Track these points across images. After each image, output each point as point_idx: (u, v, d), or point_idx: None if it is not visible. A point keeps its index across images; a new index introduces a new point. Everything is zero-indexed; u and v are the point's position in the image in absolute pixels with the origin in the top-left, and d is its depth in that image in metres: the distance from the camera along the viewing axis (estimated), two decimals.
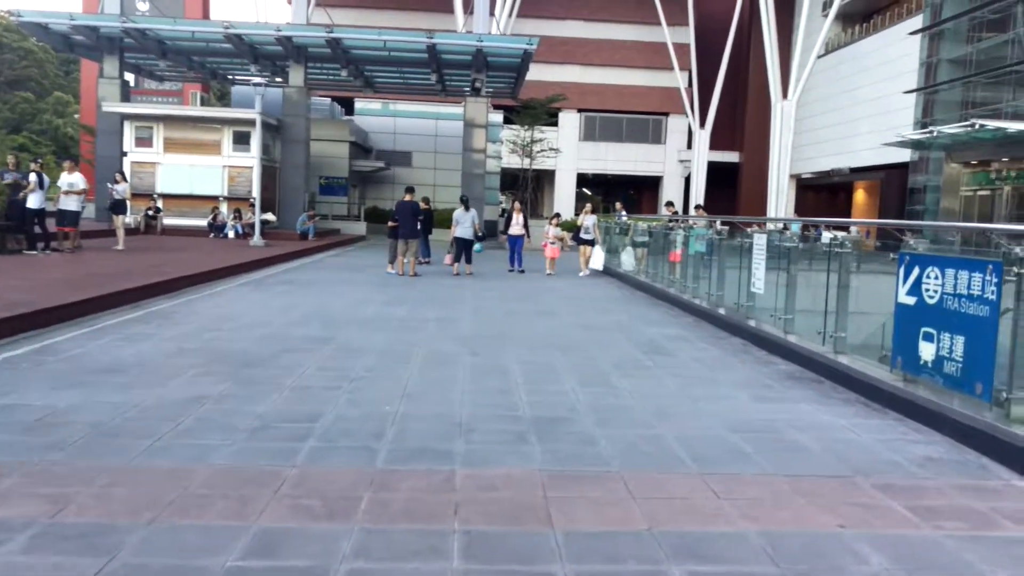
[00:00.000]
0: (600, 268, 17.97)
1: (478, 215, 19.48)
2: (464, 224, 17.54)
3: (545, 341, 8.95)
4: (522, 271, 18.34)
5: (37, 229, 16.13)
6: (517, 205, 19.36)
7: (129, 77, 44.44)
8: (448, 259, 18.45)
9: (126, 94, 29.48)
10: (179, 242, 22.35)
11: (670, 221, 18.62)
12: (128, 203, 18.52)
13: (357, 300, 12.16)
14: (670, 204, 24.20)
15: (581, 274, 18.17)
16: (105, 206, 21.19)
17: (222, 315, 10.03)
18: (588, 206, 19.02)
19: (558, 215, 34.52)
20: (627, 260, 17.31)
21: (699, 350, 8.83)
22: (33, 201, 15.76)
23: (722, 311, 10.84)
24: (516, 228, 18.83)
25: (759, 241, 9.33)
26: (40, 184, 15.65)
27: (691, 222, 17.68)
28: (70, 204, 16.00)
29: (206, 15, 49.48)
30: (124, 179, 18.44)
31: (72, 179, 15.94)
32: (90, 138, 40.22)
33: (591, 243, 18.21)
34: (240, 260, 17.01)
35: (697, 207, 21.64)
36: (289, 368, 6.95)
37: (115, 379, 6.31)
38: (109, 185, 18.64)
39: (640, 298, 14.32)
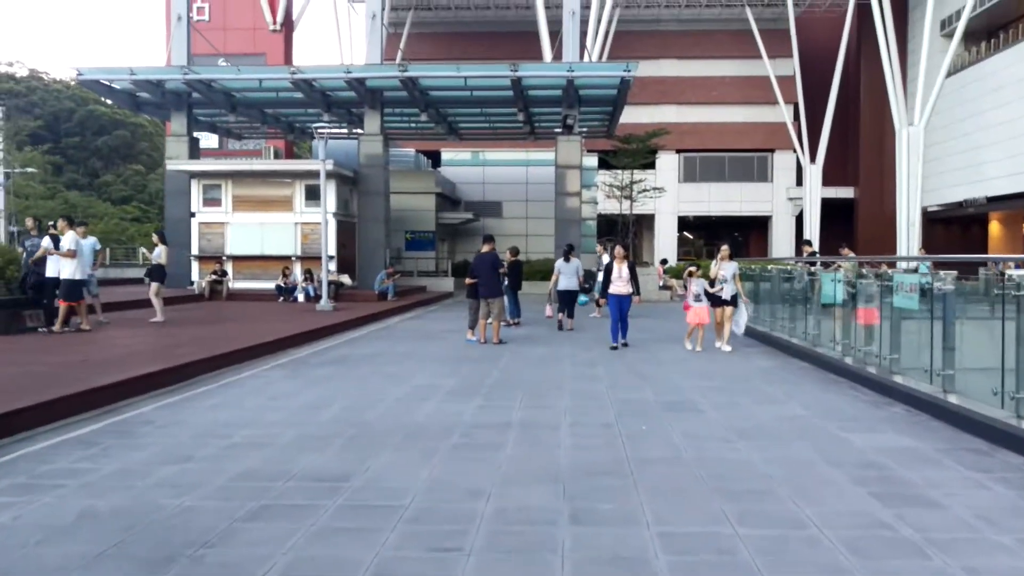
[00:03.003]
0: (741, 331, 13.32)
1: (582, 265, 17.32)
2: (567, 275, 16.20)
3: (696, 473, 5.41)
4: (626, 344, 13.06)
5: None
6: (620, 251, 13.20)
7: (212, 139, 43.88)
8: (549, 311, 17.20)
9: (195, 152, 27.64)
10: (239, 309, 19.82)
11: (810, 263, 14.84)
12: (166, 268, 15.87)
13: (415, 389, 8.91)
14: (807, 243, 20.33)
15: (718, 345, 12.78)
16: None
17: (210, 427, 6.91)
18: (725, 249, 12.87)
19: (665, 261, 30.80)
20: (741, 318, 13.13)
21: (969, 486, 5.11)
22: (50, 269, 13.27)
23: (954, 399, 7.09)
24: (620, 284, 12.93)
25: None
26: (57, 248, 13.15)
27: (837, 265, 13.91)
28: (63, 271, 13.18)
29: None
30: (162, 241, 15.84)
31: (66, 240, 13.16)
32: None
33: (731, 303, 12.81)
34: (294, 331, 14.13)
35: (843, 247, 17.66)
36: (233, 570, 3.69)
37: None
38: (143, 250, 16.10)
39: (802, 371, 10.53)
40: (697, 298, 12.60)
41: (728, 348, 12.61)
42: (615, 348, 12.80)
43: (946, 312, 7.27)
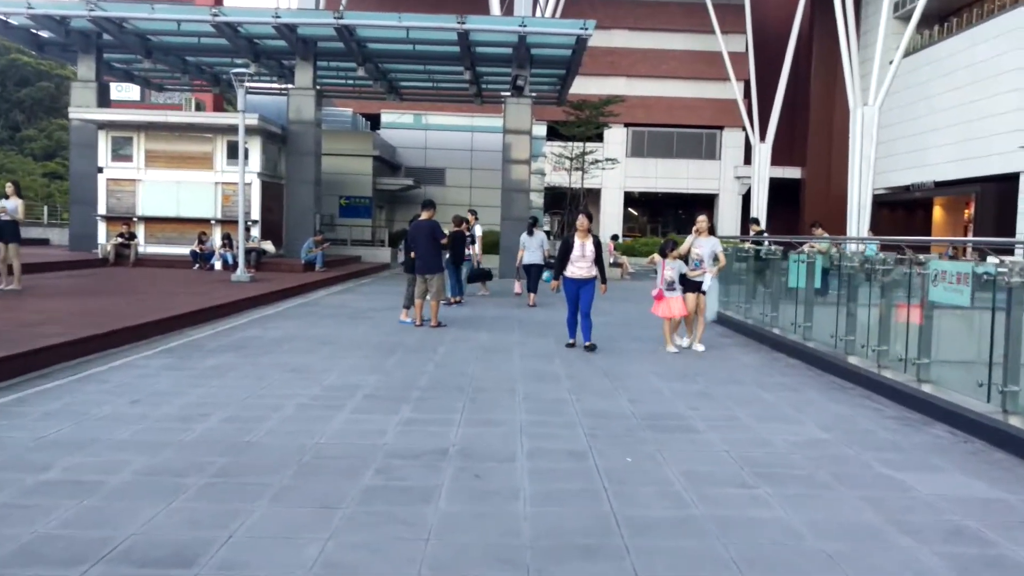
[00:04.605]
0: (711, 318, 11.44)
1: (546, 238, 16.77)
2: (531, 249, 15.82)
3: (721, 552, 3.65)
4: (590, 346, 9.87)
5: None
6: (583, 222, 9.86)
7: (134, 91, 40.63)
8: (517, 287, 17.66)
9: (105, 100, 24.87)
10: (143, 277, 17.50)
11: (755, 242, 13.29)
12: (19, 226, 13.18)
13: (326, 392, 6.99)
14: (755, 222, 18.97)
15: (686, 344, 10.40)
16: None
17: (28, 449, 4.90)
18: (703, 220, 10.30)
19: (616, 236, 29.10)
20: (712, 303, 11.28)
21: None
22: None
23: (1020, 424, 5.52)
24: (581, 266, 9.81)
25: None
26: None
27: (810, 245, 12.42)
28: None
29: None
30: (16, 193, 13.12)
31: None
32: None
33: (701, 287, 10.28)
34: (196, 306, 12.04)
35: (815, 225, 16.26)
36: None
37: None
38: None
39: (795, 371, 8.87)
40: (671, 286, 9.97)
41: (701, 348, 10.27)
42: (572, 345, 10.09)
43: (1011, 310, 5.66)
